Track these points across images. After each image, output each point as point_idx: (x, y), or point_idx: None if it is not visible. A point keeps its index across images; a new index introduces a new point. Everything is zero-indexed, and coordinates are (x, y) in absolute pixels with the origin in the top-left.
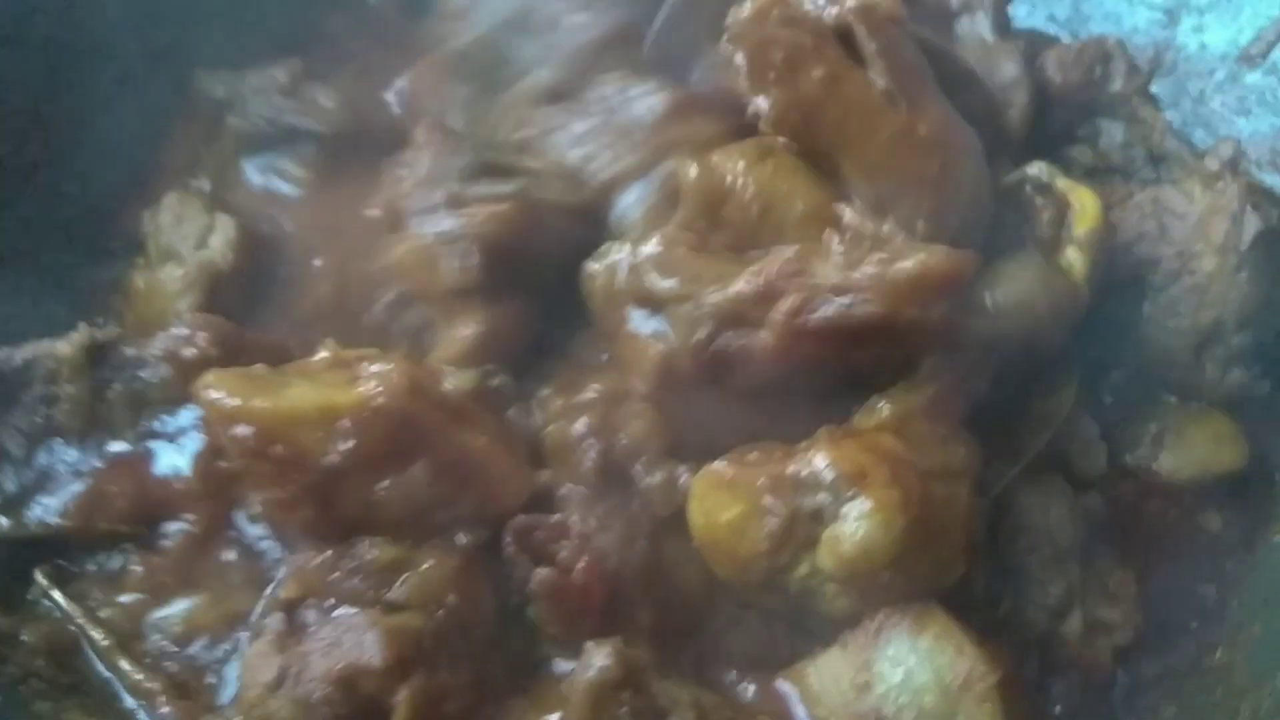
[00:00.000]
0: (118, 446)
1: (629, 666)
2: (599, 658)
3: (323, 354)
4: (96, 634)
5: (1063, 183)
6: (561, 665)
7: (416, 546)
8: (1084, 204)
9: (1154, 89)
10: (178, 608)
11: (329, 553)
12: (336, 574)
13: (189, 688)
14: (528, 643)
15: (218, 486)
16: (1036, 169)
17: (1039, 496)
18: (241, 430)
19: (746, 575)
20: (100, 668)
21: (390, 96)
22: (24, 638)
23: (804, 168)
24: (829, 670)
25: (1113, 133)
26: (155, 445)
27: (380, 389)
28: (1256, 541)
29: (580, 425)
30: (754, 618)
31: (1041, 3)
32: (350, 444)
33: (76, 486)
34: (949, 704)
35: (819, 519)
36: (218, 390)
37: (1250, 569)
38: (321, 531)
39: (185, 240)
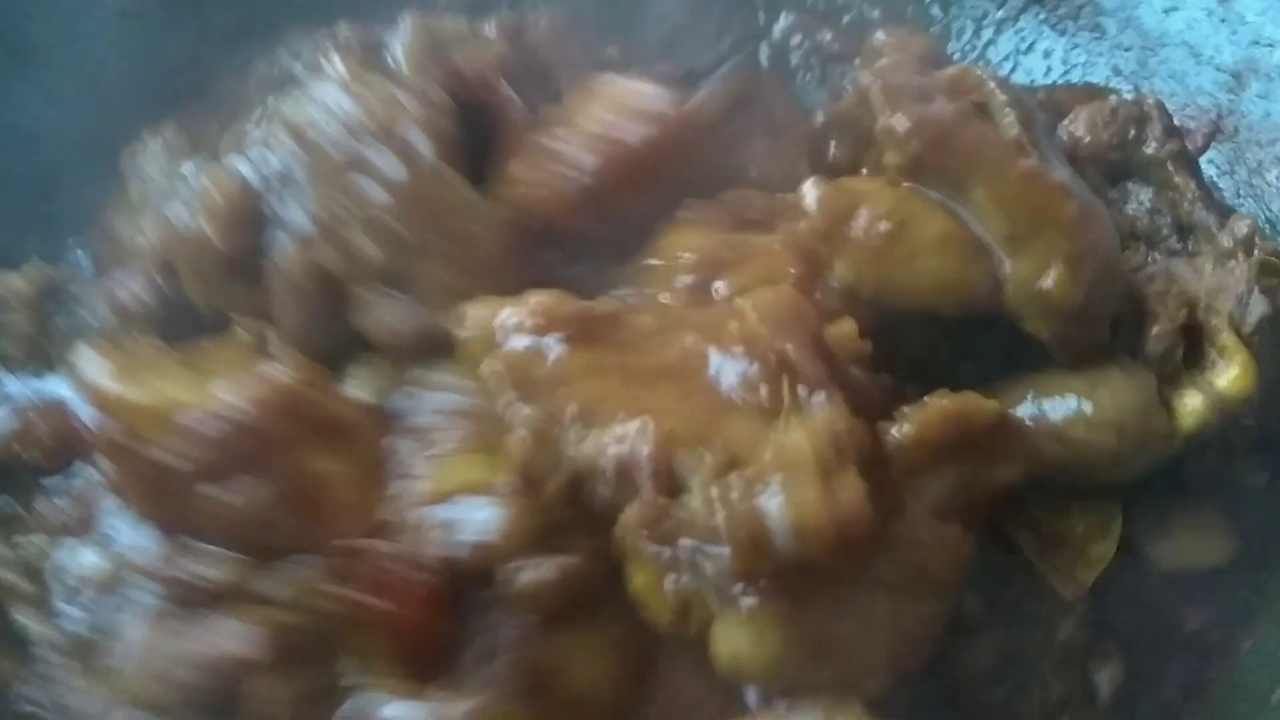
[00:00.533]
0: (51, 382)
1: None
2: None
3: (240, 336)
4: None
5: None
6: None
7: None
8: (1241, 366)
9: (1210, 155)
10: (76, 557)
11: (163, 548)
12: (170, 571)
13: (82, 640)
14: None
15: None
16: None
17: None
18: (89, 408)
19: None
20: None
21: None
22: None
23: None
24: None
25: (1140, 198)
26: None
27: (233, 395)
28: (1234, 645)
29: None
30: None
31: (1106, 53)
32: (177, 443)
33: (5, 414)
34: None
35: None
36: (86, 360)
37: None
38: (159, 522)
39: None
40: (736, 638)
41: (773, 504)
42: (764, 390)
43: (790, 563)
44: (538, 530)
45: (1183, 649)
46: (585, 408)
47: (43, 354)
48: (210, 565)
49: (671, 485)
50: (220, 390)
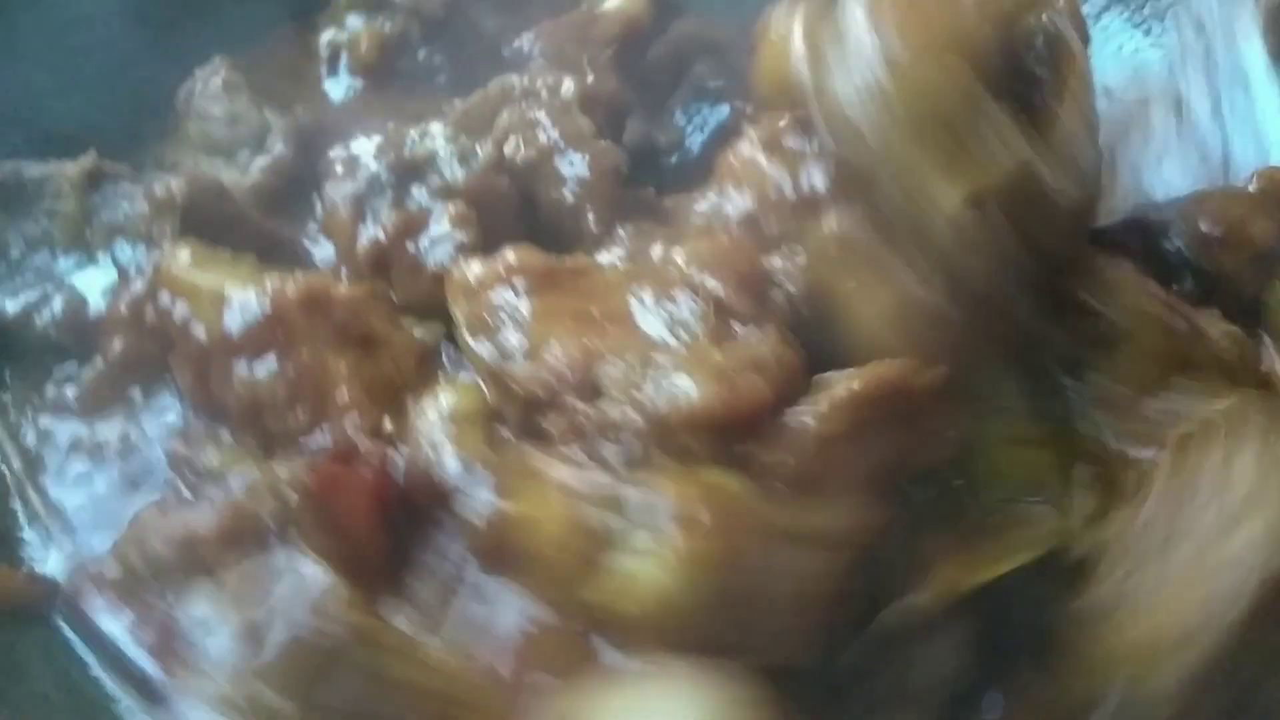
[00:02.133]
0: (89, 267)
1: None
2: None
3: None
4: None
5: None
6: None
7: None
8: None
9: None
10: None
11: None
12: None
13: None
14: None
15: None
16: None
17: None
18: (164, 293)
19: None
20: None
21: None
22: None
23: None
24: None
25: None
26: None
27: (269, 290)
28: None
29: None
30: None
31: None
32: (222, 325)
33: (50, 291)
34: None
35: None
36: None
37: None
38: (197, 402)
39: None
40: (658, 575)
41: (680, 382)
42: (697, 326)
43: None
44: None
45: None
46: (533, 345)
47: (85, 243)
48: (213, 448)
49: (593, 394)
50: (268, 281)
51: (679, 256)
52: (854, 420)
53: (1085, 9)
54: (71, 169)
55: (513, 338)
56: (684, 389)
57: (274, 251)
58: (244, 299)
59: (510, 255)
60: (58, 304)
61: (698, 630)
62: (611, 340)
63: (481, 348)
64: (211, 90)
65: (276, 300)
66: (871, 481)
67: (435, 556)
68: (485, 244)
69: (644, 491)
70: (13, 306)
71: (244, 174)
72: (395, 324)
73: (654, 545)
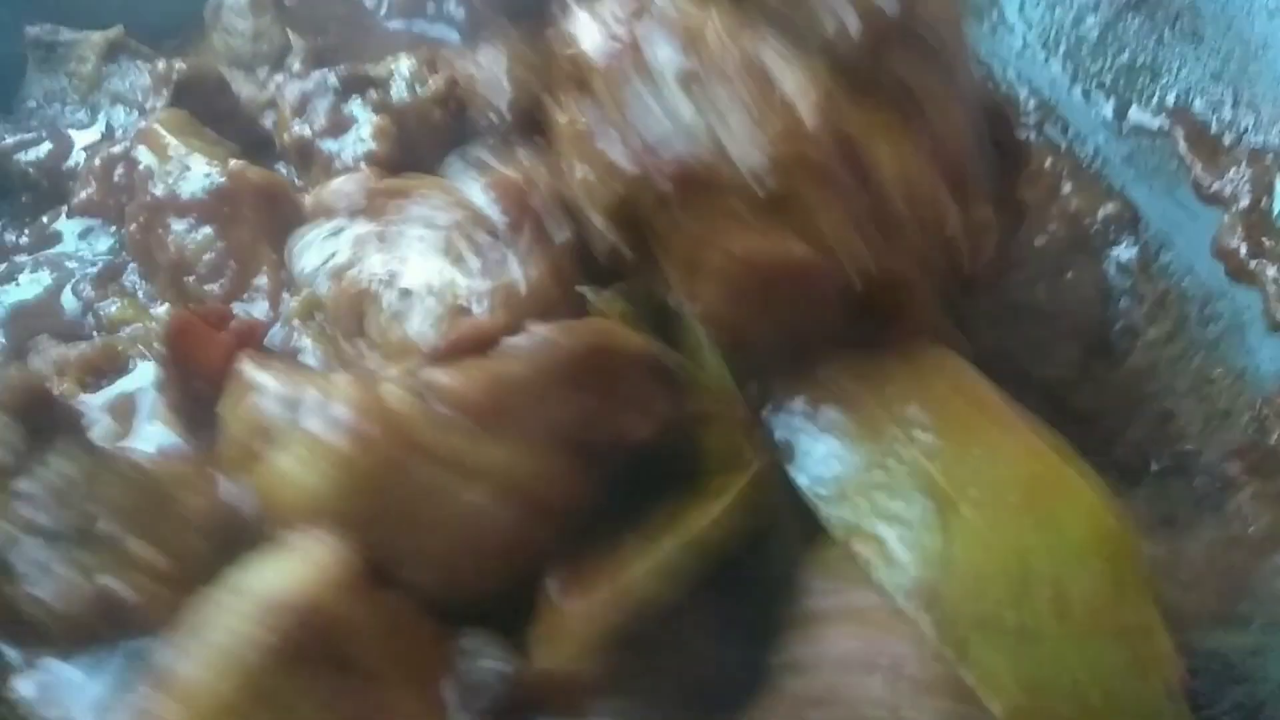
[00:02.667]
0: (87, 127)
1: None
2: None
3: None
4: None
5: None
6: None
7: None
8: None
9: None
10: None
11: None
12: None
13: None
14: None
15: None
16: None
17: None
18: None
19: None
20: None
21: None
22: None
23: None
24: None
25: None
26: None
27: (229, 172)
28: None
29: None
30: None
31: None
32: (179, 185)
33: (43, 136)
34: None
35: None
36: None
37: None
38: (134, 248)
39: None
40: (304, 475)
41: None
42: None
43: None
44: None
45: None
46: (336, 266)
47: (91, 104)
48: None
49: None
50: (232, 161)
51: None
52: (540, 368)
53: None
54: (97, 36)
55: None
56: (416, 326)
57: (256, 153)
58: (207, 169)
59: (350, 180)
60: (45, 147)
61: (356, 533)
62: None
63: (302, 261)
64: (239, 5)
65: (235, 178)
66: (558, 437)
67: None
68: (403, 163)
69: (322, 396)
70: (9, 140)
71: (261, 90)
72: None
73: (307, 447)
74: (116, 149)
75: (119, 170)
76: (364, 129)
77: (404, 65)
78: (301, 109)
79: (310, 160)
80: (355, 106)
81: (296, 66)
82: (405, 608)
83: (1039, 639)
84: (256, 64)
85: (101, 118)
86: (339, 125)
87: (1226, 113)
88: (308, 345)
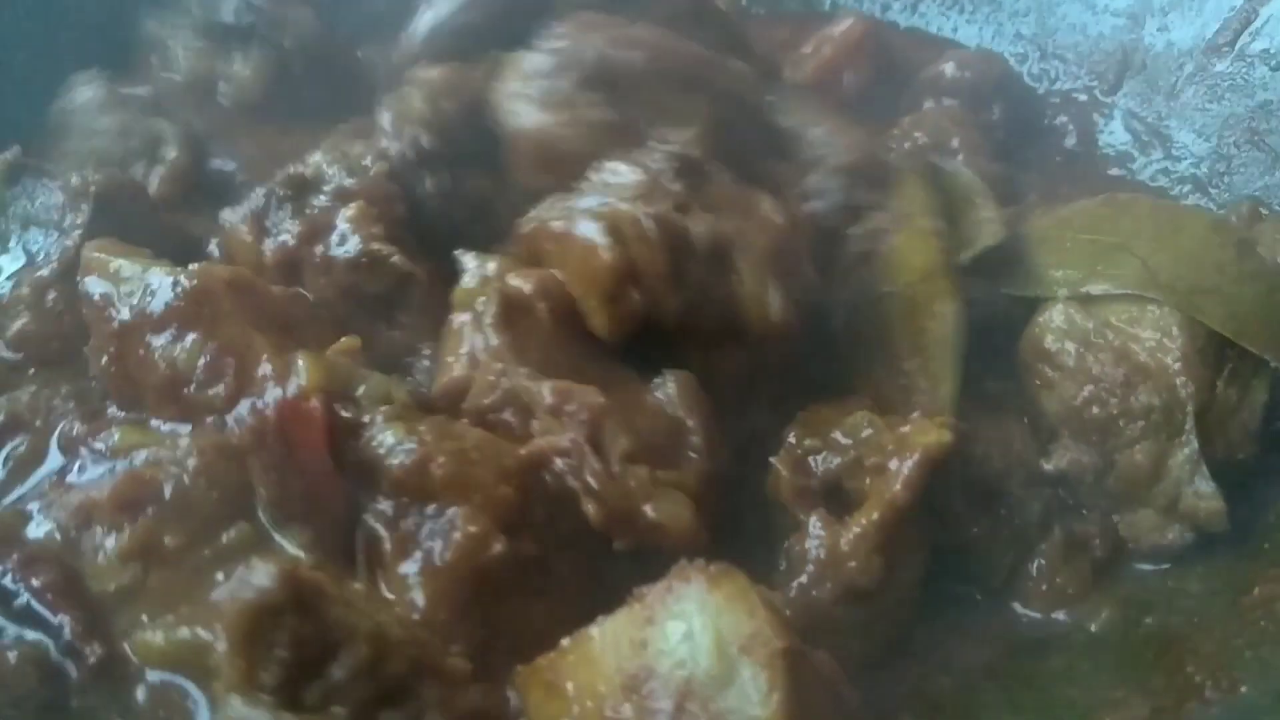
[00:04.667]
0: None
1: (297, 588)
2: (260, 576)
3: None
4: None
5: None
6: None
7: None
8: None
9: (1125, 89)
10: None
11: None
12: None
13: None
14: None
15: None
16: None
17: (999, 430)
18: (89, 278)
19: None
20: None
21: None
22: None
23: None
24: (613, 629)
25: None
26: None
27: (197, 274)
28: None
29: None
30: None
31: (1008, 22)
32: (146, 304)
33: None
34: (726, 667)
35: None
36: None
37: None
38: (113, 381)
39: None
40: None
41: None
42: None
43: None
44: None
45: None
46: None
47: (2, 234)
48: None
49: None
50: (193, 266)
51: None
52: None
53: None
54: None
55: None
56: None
57: (185, 250)
58: (171, 277)
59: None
60: None
61: None
62: None
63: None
64: (89, 106)
65: (205, 276)
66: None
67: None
68: (389, 239)
69: None
70: None
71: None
72: (315, 314)
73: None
74: (43, 274)
75: (50, 296)
76: (344, 220)
77: (322, 156)
78: (262, 229)
79: (301, 269)
80: (319, 204)
81: (175, 156)
82: None
83: (1219, 290)
84: (129, 161)
85: (14, 243)
86: (318, 225)
87: None
88: None
